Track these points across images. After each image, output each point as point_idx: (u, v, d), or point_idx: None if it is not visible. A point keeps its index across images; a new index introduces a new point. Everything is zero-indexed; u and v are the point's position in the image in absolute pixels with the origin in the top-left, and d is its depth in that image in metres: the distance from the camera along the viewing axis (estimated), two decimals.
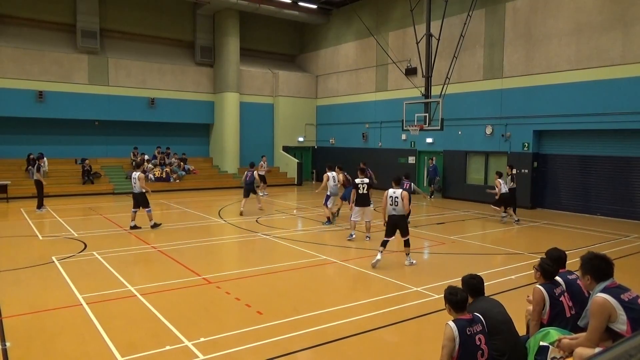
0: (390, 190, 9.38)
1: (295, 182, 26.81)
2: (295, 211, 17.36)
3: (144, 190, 13.15)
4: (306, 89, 28.66)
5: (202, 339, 5.72)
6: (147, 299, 7.16)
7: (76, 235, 12.09)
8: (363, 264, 9.43)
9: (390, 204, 9.28)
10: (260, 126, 27.67)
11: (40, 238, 11.85)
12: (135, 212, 13.11)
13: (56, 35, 22.82)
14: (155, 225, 13.19)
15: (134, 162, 22.20)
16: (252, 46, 28.04)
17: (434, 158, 21.14)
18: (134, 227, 12.94)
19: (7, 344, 5.60)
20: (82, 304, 6.95)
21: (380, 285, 8.17)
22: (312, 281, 8.56)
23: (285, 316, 6.53)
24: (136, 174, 13.21)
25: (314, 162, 29.10)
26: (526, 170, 17.95)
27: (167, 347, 5.52)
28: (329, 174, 14.16)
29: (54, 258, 9.61)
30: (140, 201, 13.13)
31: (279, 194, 22.65)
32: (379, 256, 9.14)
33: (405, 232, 9.35)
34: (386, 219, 9.42)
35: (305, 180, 27.98)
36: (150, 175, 22.83)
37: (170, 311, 6.67)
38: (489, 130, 19.08)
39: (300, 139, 28.63)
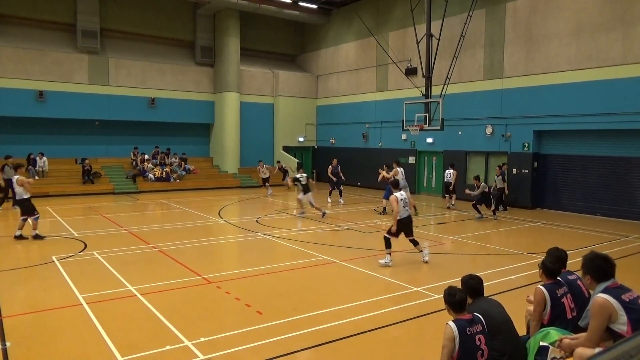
0: (397, 194, 9.42)
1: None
2: (295, 211, 17.34)
3: (25, 197, 11.51)
4: (306, 89, 28.66)
5: (202, 339, 5.72)
6: (147, 299, 7.16)
7: (76, 235, 12.09)
8: (363, 264, 9.43)
9: (404, 206, 9.39)
10: (260, 126, 27.66)
11: (43, 239, 11.83)
12: (24, 220, 11.55)
13: (56, 35, 22.83)
14: (37, 237, 11.48)
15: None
16: (252, 46, 28.05)
17: (504, 165, 17.59)
18: (19, 237, 11.41)
19: (8, 343, 5.60)
20: (82, 304, 6.95)
21: (380, 285, 8.17)
22: (312, 281, 8.55)
23: (286, 316, 6.53)
24: (15, 178, 11.63)
25: (314, 162, 29.09)
26: (526, 171, 17.95)
27: (167, 347, 5.52)
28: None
29: (54, 258, 9.61)
30: (24, 208, 11.54)
31: (279, 193, 22.65)
32: (388, 259, 9.33)
33: (412, 232, 9.57)
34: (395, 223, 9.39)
35: None
36: (151, 175, 22.84)
37: (171, 311, 6.67)
38: (489, 130, 19.08)
39: (301, 139, 28.63)
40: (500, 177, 16.26)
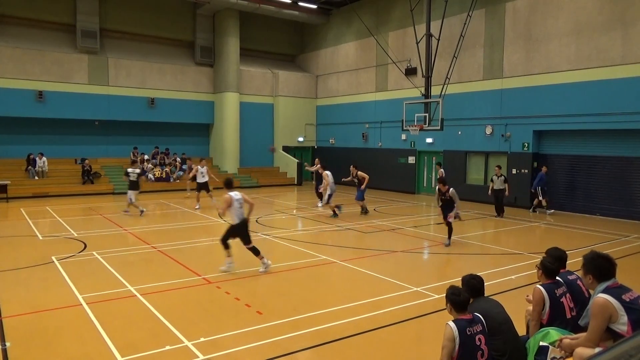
0: (233, 193, 8.71)
1: (295, 182, 26.80)
2: (295, 211, 17.36)
3: None
4: (306, 89, 28.66)
5: (202, 339, 5.72)
6: (147, 299, 7.15)
7: (76, 235, 12.09)
8: (363, 264, 9.43)
9: (239, 207, 8.72)
10: (260, 126, 27.66)
11: (41, 238, 11.84)
12: None
13: (56, 35, 22.82)
14: None
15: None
16: (252, 46, 28.04)
17: (543, 168, 16.91)
18: None
19: (7, 343, 5.60)
20: (82, 304, 6.95)
21: (380, 285, 8.17)
22: (312, 281, 8.56)
23: (285, 316, 6.53)
24: None
25: (313, 162, 29.05)
26: (526, 171, 17.95)
27: (167, 347, 5.52)
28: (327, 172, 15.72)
29: (54, 258, 9.61)
30: None
31: (279, 193, 22.65)
32: (228, 262, 8.79)
33: (249, 240, 8.95)
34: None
35: (305, 180, 27.98)
36: (150, 175, 22.83)
37: (170, 311, 6.67)
38: (488, 130, 19.08)
39: (300, 139, 28.63)
40: (501, 177, 15.73)
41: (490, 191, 15.92)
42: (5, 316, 6.46)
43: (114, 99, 23.38)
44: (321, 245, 11.24)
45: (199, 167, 17.51)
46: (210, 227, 13.97)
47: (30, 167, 20.80)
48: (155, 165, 23.65)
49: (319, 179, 17.46)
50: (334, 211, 15.34)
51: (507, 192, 15.73)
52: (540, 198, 16.56)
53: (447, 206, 11.22)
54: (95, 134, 23.92)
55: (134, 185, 15.12)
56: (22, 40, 21.72)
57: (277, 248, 11.23)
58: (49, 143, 22.49)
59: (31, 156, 21.05)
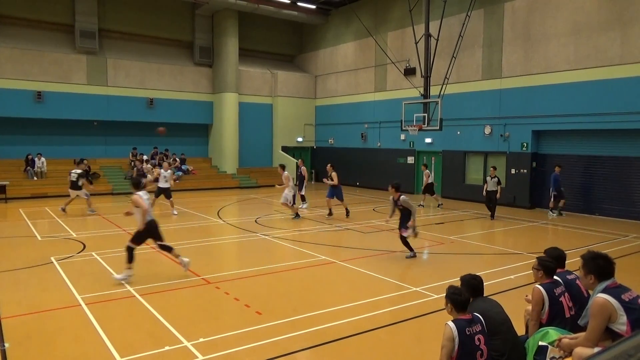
0: (142, 193, 8.38)
1: (295, 183, 26.79)
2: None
3: None
4: (305, 89, 28.67)
5: (201, 339, 5.71)
6: (146, 300, 7.15)
7: (75, 235, 12.07)
8: (362, 264, 9.43)
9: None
10: (259, 126, 27.66)
11: (39, 238, 11.83)
12: None
13: (55, 36, 22.79)
14: None
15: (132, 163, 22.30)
16: (251, 46, 28.04)
17: (557, 168, 16.30)
18: None
19: (6, 344, 5.58)
20: (81, 305, 6.94)
21: (379, 286, 8.17)
22: (311, 281, 8.55)
23: (285, 316, 6.53)
24: None
25: (313, 162, 29.09)
26: (525, 171, 17.97)
27: (167, 348, 5.51)
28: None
29: (52, 259, 9.59)
30: None
31: (279, 194, 22.61)
32: (126, 273, 8.13)
33: (160, 237, 8.64)
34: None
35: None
36: (150, 176, 22.79)
37: (170, 312, 6.66)
38: (487, 130, 19.10)
39: (299, 139, 28.63)
40: (495, 179, 15.31)
41: (484, 192, 15.73)
42: (4, 317, 6.45)
43: (113, 100, 23.36)
44: (320, 246, 11.24)
45: (162, 170, 16.26)
46: (207, 227, 13.96)
47: (29, 167, 20.77)
48: (154, 166, 23.61)
49: (302, 181, 17.50)
50: (297, 214, 15.25)
51: (498, 195, 15.30)
52: (559, 199, 16.06)
53: (403, 217, 9.69)
54: (94, 135, 23.91)
55: (74, 185, 15.57)
56: (21, 41, 21.69)
57: (277, 248, 11.23)
58: (48, 143, 22.47)
59: (30, 157, 21.02)
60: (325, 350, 5.57)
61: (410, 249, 9.88)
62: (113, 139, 24.46)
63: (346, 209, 15.62)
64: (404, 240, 9.81)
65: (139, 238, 8.31)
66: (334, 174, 15.62)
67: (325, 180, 15.78)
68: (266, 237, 12.23)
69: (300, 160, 18.50)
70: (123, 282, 7.97)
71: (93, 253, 10.15)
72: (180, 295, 7.53)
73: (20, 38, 21.79)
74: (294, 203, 15.61)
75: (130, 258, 8.14)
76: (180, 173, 23.90)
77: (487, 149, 19.36)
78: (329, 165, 16.29)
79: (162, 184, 15.93)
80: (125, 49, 24.40)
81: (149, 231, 8.32)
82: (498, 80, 18.78)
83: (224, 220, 14.90)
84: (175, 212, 15.75)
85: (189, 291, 7.74)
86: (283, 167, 15.80)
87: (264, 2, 24.76)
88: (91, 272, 8.81)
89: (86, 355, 5.38)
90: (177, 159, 24.62)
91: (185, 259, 8.60)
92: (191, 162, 25.51)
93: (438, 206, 18.12)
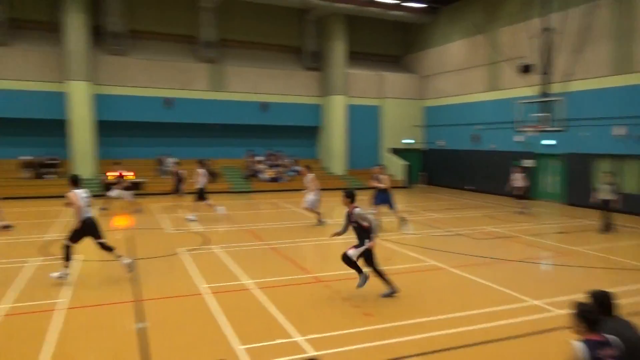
0: (79, 191, 8.16)
1: (403, 185, 26.48)
2: (400, 214, 17.15)
3: None
4: (412, 90, 28.23)
5: (311, 336, 5.91)
6: (261, 293, 7.56)
7: (199, 229, 13.14)
8: (474, 272, 9.05)
9: (86, 205, 8.19)
10: (366, 128, 27.81)
11: (168, 231, 13.07)
12: None
13: (181, 47, 25.04)
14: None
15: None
16: (357, 49, 28.24)
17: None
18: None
19: (144, 324, 6.28)
20: (203, 294, 7.55)
21: (493, 295, 7.79)
22: (419, 286, 8.40)
23: (392, 320, 6.51)
24: None
25: (422, 164, 28.51)
26: None
27: (279, 341, 5.80)
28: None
29: (179, 250, 10.55)
30: None
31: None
32: (64, 272, 8.04)
33: (99, 235, 8.40)
34: None
35: (414, 183, 27.53)
36: (265, 176, 24.15)
37: (282, 306, 6.98)
38: (620, 131, 17.18)
39: (407, 141, 28.26)
40: (611, 186, 13.34)
41: (594, 199, 13.72)
42: (144, 299, 7.25)
43: (230, 104, 25.09)
44: (429, 250, 11.00)
45: (200, 170, 15.40)
46: (318, 227, 14.32)
47: (160, 167, 23.10)
48: (268, 167, 24.93)
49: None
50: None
51: (615, 204, 13.23)
52: None
53: (359, 236, 7.53)
54: (216, 137, 25.85)
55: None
56: (152, 53, 24.18)
57: (384, 251, 11.20)
58: (176, 145, 24.81)
59: (161, 157, 23.39)
60: (435, 358, 5.45)
61: (359, 271, 7.52)
62: (231, 141, 26.24)
63: (401, 218, 13.70)
64: (348, 261, 7.44)
65: (75, 236, 8.15)
66: (384, 177, 13.56)
67: (373, 182, 13.83)
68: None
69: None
70: (60, 279, 7.99)
71: (215, 246, 10.97)
72: (291, 291, 7.85)
73: (151, 50, 24.28)
74: (316, 209, 14.34)
75: (67, 256, 8.04)
76: (292, 174, 24.95)
77: (619, 151, 17.41)
78: (378, 166, 14.74)
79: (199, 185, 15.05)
80: (241, 57, 26.04)
81: (85, 229, 8.16)
82: (633, 75, 16.79)
83: (332, 220, 15.20)
84: (222, 209, 15.24)
85: (300, 288, 8.04)
86: (308, 168, 15.05)
87: (370, 5, 24.85)
88: (212, 264, 9.53)
89: (207, 339, 5.85)
90: (288, 161, 25.69)
91: (126, 260, 8.40)
92: (302, 164, 26.45)
93: (520, 212, 16.47)
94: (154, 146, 24.26)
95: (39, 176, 21.07)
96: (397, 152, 28.06)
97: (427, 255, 10.40)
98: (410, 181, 27.06)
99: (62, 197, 13.33)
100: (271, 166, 25.10)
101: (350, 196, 7.58)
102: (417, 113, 28.37)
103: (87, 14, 21.58)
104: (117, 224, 14.61)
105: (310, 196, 14.26)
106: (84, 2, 21.48)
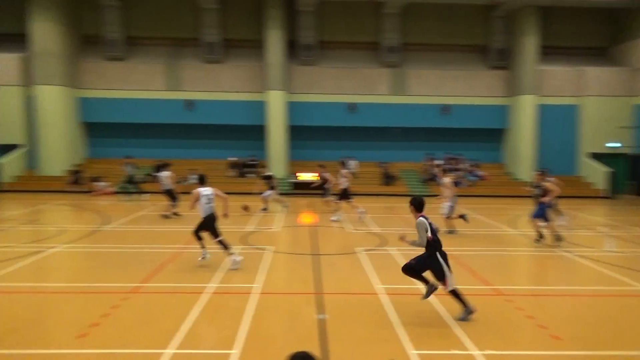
0: (202, 189, 9.41)
1: (606, 195, 23.16)
2: (601, 228, 15.03)
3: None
4: (620, 86, 24.42)
5: (489, 352, 5.59)
6: (435, 300, 7.42)
7: (376, 231, 13.51)
8: None
9: (206, 203, 9.33)
10: (560, 130, 25.06)
11: (348, 231, 13.72)
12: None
13: (364, 54, 26.04)
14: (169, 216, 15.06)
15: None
16: (552, 43, 25.54)
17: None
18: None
19: (325, 315, 6.73)
20: (378, 293, 7.74)
21: None
22: (623, 314, 7.24)
23: (587, 348, 5.75)
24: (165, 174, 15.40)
25: (630, 171, 24.52)
26: None
27: (454, 351, 5.62)
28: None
29: (357, 249, 10.99)
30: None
31: (583, 206, 19.98)
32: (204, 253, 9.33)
33: (217, 233, 9.51)
34: None
35: (619, 193, 23.84)
36: (445, 180, 23.61)
37: (455, 315, 6.74)
38: None
39: (612, 145, 24.57)
40: None
41: None
42: (325, 293, 7.77)
43: (411, 107, 25.15)
44: (636, 272, 9.40)
45: (343, 170, 16.07)
46: (499, 236, 13.43)
47: (342, 169, 24.37)
48: (447, 171, 24.27)
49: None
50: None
51: None
52: None
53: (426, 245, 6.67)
54: (395, 140, 26.24)
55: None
56: (339, 61, 25.65)
57: (578, 268, 9.96)
58: (358, 148, 25.93)
59: (343, 159, 24.68)
60: None
61: (425, 282, 6.79)
62: (410, 144, 26.32)
63: (555, 235, 11.82)
64: (410, 272, 6.78)
65: (199, 227, 9.27)
66: (551, 185, 11.90)
67: (529, 188, 12.14)
68: (568, 253, 10.98)
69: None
70: (206, 259, 9.27)
71: (391, 248, 11.15)
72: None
73: (338, 59, 25.78)
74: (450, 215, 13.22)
75: (199, 238, 9.28)
76: (474, 179, 23.91)
77: None
78: (539, 172, 12.95)
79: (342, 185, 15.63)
80: (422, 59, 25.88)
81: (206, 223, 9.20)
82: None
83: (517, 231, 14.10)
84: (362, 212, 15.57)
85: (478, 299, 7.62)
86: (445, 171, 13.61)
87: None
88: (388, 265, 9.70)
89: (383, 338, 5.98)
90: (469, 165, 24.65)
91: (237, 258, 9.09)
92: (484, 168, 25.12)
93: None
94: (337, 149, 25.74)
95: (241, 175, 24.16)
96: (599, 157, 24.62)
97: (635, 278, 8.90)
98: (615, 191, 23.50)
99: (258, 194, 14.90)
100: (450, 170, 24.36)
101: (414, 204, 6.83)
102: (625, 112, 24.47)
103: (283, 30, 24.03)
104: (303, 221, 15.87)
105: (446, 203, 13.33)
106: (282, 20, 23.97)
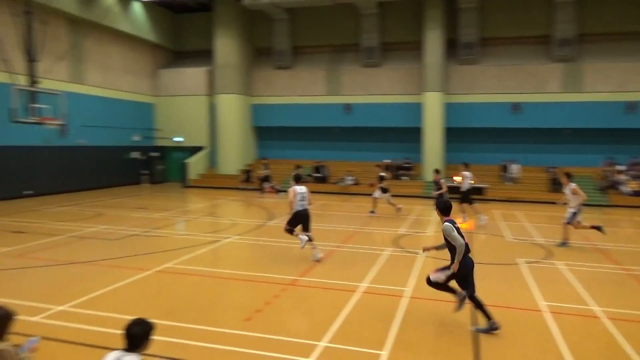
0: (297, 187, 10.01)
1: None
2: None
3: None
4: None
5: None
6: (612, 325, 6.53)
7: (541, 242, 12.36)
8: None
9: (300, 200, 9.91)
10: None
11: (508, 240, 12.81)
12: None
13: (531, 49, 23.93)
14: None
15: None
16: None
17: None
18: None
19: (479, 327, 6.40)
20: (542, 311, 7.08)
21: None
22: None
23: None
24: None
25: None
26: None
27: None
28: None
29: (518, 260, 10.20)
30: None
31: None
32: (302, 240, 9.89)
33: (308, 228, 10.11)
34: None
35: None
36: (627, 189, 20.54)
37: (635, 344, 5.84)
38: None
39: None
40: None
41: None
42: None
43: (587, 106, 22.38)
44: None
45: (465, 172, 15.35)
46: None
47: (504, 173, 22.86)
48: (631, 178, 21.06)
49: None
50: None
51: None
52: None
53: (451, 253, 6.49)
54: (565, 142, 23.65)
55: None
56: (502, 58, 24.01)
57: None
58: (521, 151, 24.00)
59: (504, 163, 23.11)
60: None
61: (452, 292, 6.51)
62: (583, 147, 23.44)
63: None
64: (434, 285, 6.55)
65: (290, 223, 9.92)
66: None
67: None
68: None
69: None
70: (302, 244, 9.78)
71: (558, 262, 10.12)
72: None
73: (501, 56, 24.13)
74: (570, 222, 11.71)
75: (291, 232, 9.91)
76: None
77: None
78: (564, 175, 12.24)
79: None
80: (603, 51, 22.80)
81: (297, 219, 9.85)
82: None
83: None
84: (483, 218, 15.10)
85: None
86: (569, 176, 12.16)
87: None
88: (554, 280, 8.81)
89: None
90: None
91: (305, 239, 9.73)
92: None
93: None
94: (498, 152, 24.18)
95: (396, 177, 24.21)
96: None
97: None
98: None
99: (417, 197, 14.76)
100: (635, 177, 21.05)
101: (440, 207, 6.42)
102: None
103: (442, 29, 23.42)
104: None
105: (570, 210, 11.70)
106: (441, 19, 23.39)
